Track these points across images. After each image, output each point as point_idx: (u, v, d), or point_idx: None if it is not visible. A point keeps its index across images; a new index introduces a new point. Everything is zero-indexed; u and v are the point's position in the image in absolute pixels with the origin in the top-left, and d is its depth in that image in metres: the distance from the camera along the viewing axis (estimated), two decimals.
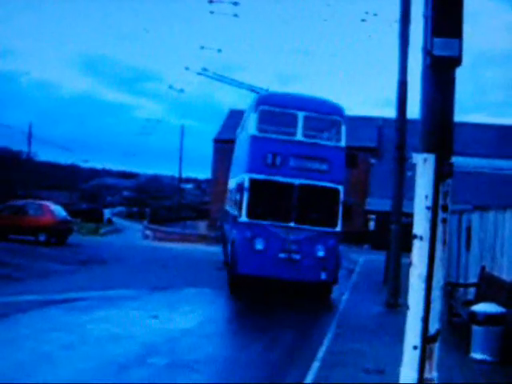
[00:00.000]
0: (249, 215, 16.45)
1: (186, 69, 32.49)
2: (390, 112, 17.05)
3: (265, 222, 16.37)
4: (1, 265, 19.49)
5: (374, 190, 46.38)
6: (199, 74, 31.47)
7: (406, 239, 14.37)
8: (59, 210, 30.60)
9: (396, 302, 15.18)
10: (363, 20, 23.63)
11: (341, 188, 16.63)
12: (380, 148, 50.65)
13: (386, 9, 20.25)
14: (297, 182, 16.48)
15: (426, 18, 5.00)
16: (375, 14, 23.72)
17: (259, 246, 16.23)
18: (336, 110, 17.26)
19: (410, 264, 5.17)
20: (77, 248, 27.70)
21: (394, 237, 15.92)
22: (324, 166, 16.62)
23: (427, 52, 4.96)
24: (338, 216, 16.50)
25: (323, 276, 16.16)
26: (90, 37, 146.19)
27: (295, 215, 16.39)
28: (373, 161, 49.79)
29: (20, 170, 62.12)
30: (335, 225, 16.49)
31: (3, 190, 53.44)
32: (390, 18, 17.53)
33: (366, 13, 23.52)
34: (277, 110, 17.00)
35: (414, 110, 16.04)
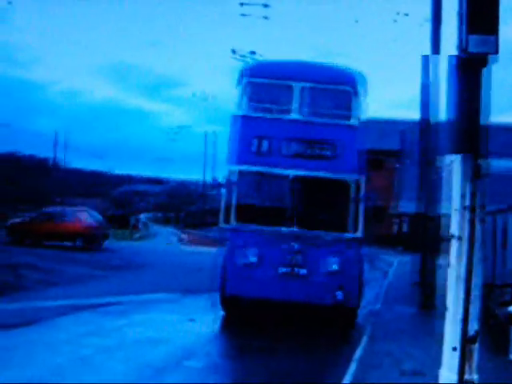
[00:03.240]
0: (237, 218, 12.88)
1: (233, 52, 29.15)
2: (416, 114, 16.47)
3: (259, 227, 12.84)
4: (38, 270, 19.83)
5: (405, 193, 46.02)
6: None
7: (440, 240, 14.31)
8: (95, 216, 31.07)
9: (431, 304, 15.04)
10: (395, 21, 23.45)
11: (353, 179, 12.83)
12: (405, 151, 50.20)
13: (417, 9, 20.02)
14: (292, 173, 12.89)
15: (460, 15, 4.97)
16: (406, 14, 23.53)
17: (252, 258, 12.62)
18: (346, 77, 13.49)
19: (448, 265, 5.14)
20: (112, 253, 28.02)
21: (427, 238, 15.76)
22: (328, 152, 12.97)
23: (462, 50, 4.93)
24: (358, 217, 12.76)
25: (339, 296, 12.35)
26: (116, 44, 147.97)
27: (299, 217, 12.89)
28: (400, 164, 49.41)
29: (53, 178, 62.99)
30: (355, 228, 12.76)
31: (37, 197, 54.29)
32: (420, 17, 17.30)
33: (398, 13, 23.35)
34: (266, 81, 13.48)
35: (443, 113, 15.74)
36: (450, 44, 5.15)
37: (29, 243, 28.90)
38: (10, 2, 21.36)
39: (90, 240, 28.91)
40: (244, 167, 13.01)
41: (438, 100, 14.88)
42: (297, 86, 13.10)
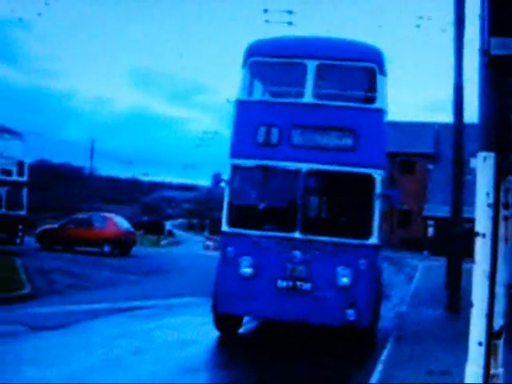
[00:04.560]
0: (231, 222, 11.10)
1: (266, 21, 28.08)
2: (446, 117, 16.54)
3: (255, 233, 10.94)
4: (69, 275, 20.27)
5: (432, 196, 45.88)
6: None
7: (466, 244, 14.27)
8: (123, 222, 31.55)
9: (458, 306, 15.03)
10: (417, 26, 23.48)
11: (377, 174, 10.76)
12: (437, 154, 50.05)
13: (439, 12, 20.05)
14: (304, 167, 10.89)
15: (482, 18, 5.08)
16: (429, 19, 23.58)
17: (247, 269, 10.76)
18: (369, 52, 11.43)
19: (473, 262, 5.24)
20: (140, 259, 28.39)
21: (455, 241, 15.74)
22: (348, 141, 10.95)
23: (484, 52, 5.05)
24: (374, 220, 10.69)
25: (351, 316, 10.44)
26: (144, 51, 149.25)
27: (302, 220, 10.86)
28: (430, 167, 49.25)
29: (82, 185, 63.84)
30: (368, 234, 10.68)
31: (67, 204, 55.11)
32: (443, 21, 17.33)
33: (420, 17, 23.39)
34: (275, 60, 11.66)
35: (470, 114, 15.71)
36: (474, 46, 5.27)
37: (59, 249, 29.61)
38: (39, 14, 21.81)
39: (118, 246, 29.35)
40: (248, 161, 11.16)
41: (471, 101, 14.88)
42: (311, 64, 11.07)
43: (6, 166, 27.52)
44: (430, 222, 44.95)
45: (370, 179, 10.71)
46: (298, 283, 10.63)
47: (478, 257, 5.22)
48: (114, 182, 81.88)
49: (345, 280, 10.52)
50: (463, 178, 15.70)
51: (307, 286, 10.61)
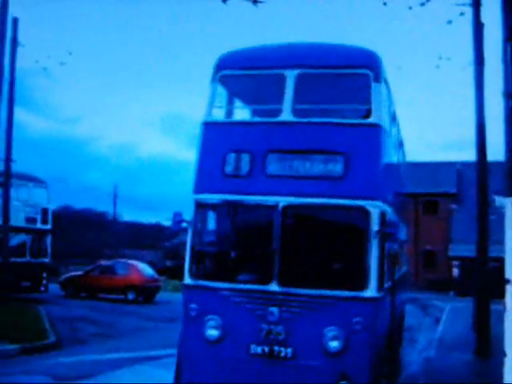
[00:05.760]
0: (194, 273, 9.07)
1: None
2: (468, 155, 16.32)
3: (223, 285, 8.82)
4: (93, 323, 20.36)
5: (456, 236, 45.40)
6: None
7: (494, 284, 14.04)
8: (146, 269, 31.63)
9: (487, 350, 14.74)
10: (437, 67, 23.63)
11: (373, 207, 8.48)
12: (460, 193, 49.74)
13: (459, 52, 20.18)
14: (282, 201, 8.70)
15: (505, 62, 5.13)
16: (449, 59, 23.72)
17: (213, 331, 8.68)
18: (359, 57, 9.26)
19: (502, 302, 5.16)
20: (164, 305, 28.30)
21: (482, 281, 15.50)
22: (336, 167, 8.69)
23: (509, 95, 5.08)
24: (370, 265, 8.33)
25: None
26: (166, 96, 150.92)
27: (280, 269, 8.53)
28: (454, 206, 48.89)
29: (106, 231, 64.22)
30: (363, 284, 8.31)
31: (91, 250, 55.44)
32: (463, 61, 17.40)
33: (440, 58, 23.55)
34: (248, 73, 9.62)
35: (493, 151, 15.58)
36: (495, 85, 5.31)
37: (83, 296, 29.85)
38: (62, 63, 22.14)
39: (142, 293, 29.41)
40: (213, 196, 9.19)
41: (494, 139, 14.84)
42: (290, 74, 9.05)
43: (30, 215, 27.86)
44: (456, 263, 44.43)
45: (363, 213, 8.45)
46: (276, 348, 8.39)
47: (509, 304, 5.15)
48: (136, 228, 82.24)
49: (335, 344, 8.22)
50: (488, 217, 15.56)
51: (287, 351, 8.37)
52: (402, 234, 14.32)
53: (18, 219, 25.66)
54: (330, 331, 8.23)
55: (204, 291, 8.87)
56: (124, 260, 33.26)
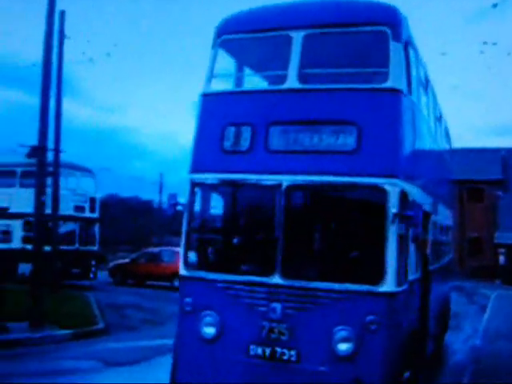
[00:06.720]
0: (189, 263, 8.16)
1: None
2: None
3: (220, 277, 7.82)
4: (141, 309, 20.78)
5: (502, 223, 44.76)
6: None
7: None
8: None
9: None
10: (481, 52, 23.34)
11: (391, 185, 7.17)
12: (506, 179, 48.97)
13: (503, 38, 19.92)
14: (286, 180, 7.57)
15: None
16: (494, 44, 23.43)
17: (209, 329, 7.71)
18: (374, 12, 7.94)
19: None
20: None
21: None
22: (348, 139, 7.43)
23: None
24: (388, 254, 7.03)
25: None
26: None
27: (284, 258, 7.42)
28: (499, 193, 48.14)
29: (152, 218, 65.00)
30: (379, 276, 7.03)
31: (138, 237, 56.28)
32: (508, 45, 17.16)
33: (485, 43, 23.27)
34: (250, 36, 8.45)
35: None
36: None
37: (130, 283, 30.42)
38: (108, 54, 22.56)
39: None
40: (210, 176, 8.15)
41: None
42: (296, 36, 7.87)
43: (78, 203, 28.42)
44: (502, 250, 43.83)
45: (380, 193, 7.17)
46: (278, 350, 7.29)
47: None
48: (181, 215, 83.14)
49: (345, 346, 7.04)
50: None
51: (291, 354, 7.25)
52: (447, 219, 13.99)
53: (67, 208, 26.25)
54: (340, 331, 7.08)
55: (200, 283, 7.91)
56: (170, 247, 33.68)
